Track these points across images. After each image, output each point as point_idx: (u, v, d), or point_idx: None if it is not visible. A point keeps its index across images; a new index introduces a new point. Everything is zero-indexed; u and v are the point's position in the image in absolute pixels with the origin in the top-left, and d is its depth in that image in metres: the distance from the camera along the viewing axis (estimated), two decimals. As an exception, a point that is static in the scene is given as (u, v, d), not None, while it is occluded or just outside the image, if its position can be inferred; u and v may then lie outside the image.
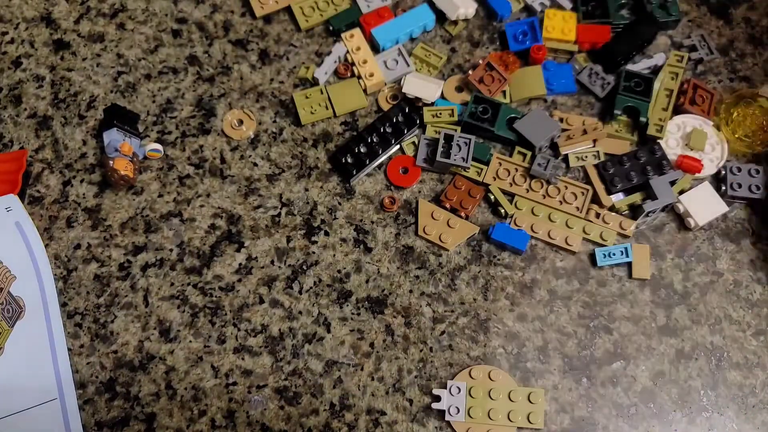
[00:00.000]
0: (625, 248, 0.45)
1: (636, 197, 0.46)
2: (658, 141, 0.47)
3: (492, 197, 0.46)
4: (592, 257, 0.45)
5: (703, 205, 0.46)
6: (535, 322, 0.44)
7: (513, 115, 0.48)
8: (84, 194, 0.48)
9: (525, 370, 0.43)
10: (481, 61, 0.50)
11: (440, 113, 0.49)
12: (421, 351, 0.44)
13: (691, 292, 0.45)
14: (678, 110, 0.48)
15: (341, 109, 0.50)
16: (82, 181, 0.49)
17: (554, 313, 0.44)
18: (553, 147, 0.48)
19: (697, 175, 0.47)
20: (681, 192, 0.46)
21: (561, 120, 0.48)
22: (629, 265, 0.45)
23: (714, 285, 0.45)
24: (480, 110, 0.48)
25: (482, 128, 0.47)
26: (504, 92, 0.50)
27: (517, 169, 0.47)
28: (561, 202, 0.46)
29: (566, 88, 0.50)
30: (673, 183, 0.46)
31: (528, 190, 0.46)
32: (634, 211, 0.46)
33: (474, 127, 0.48)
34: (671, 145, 0.47)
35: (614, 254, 0.45)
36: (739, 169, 0.46)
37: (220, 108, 0.51)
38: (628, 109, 0.48)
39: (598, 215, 0.46)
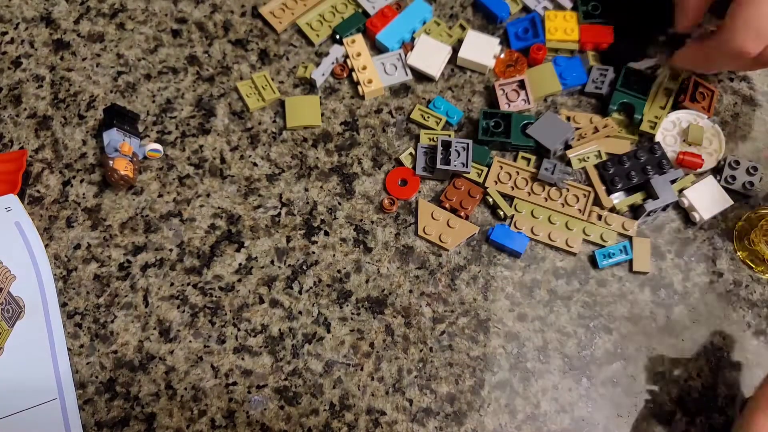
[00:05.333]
0: (624, 246, 0.45)
1: (636, 197, 0.46)
2: (658, 141, 0.47)
3: (490, 200, 0.46)
4: (592, 258, 0.45)
5: (708, 199, 0.46)
6: (535, 322, 0.44)
7: (526, 122, 0.48)
8: (84, 194, 0.48)
9: (525, 370, 0.43)
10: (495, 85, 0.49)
11: (428, 116, 0.49)
12: (421, 351, 0.44)
13: (691, 292, 0.45)
14: (678, 107, 0.49)
15: (292, 123, 0.49)
16: (82, 181, 0.49)
17: (554, 313, 0.44)
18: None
19: (699, 170, 0.47)
20: (681, 190, 0.46)
21: (568, 119, 0.48)
22: (630, 261, 0.45)
23: (714, 285, 0.45)
24: (492, 125, 0.48)
25: (499, 142, 0.47)
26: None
27: (518, 173, 0.47)
28: (563, 205, 0.46)
29: (578, 80, 0.50)
30: (673, 181, 0.46)
31: (530, 194, 0.46)
32: (635, 212, 0.46)
33: (490, 141, 0.48)
34: (669, 143, 0.47)
35: (614, 254, 0.45)
36: (738, 163, 0.46)
37: (220, 108, 0.51)
38: (624, 106, 0.48)
39: (600, 217, 0.46)
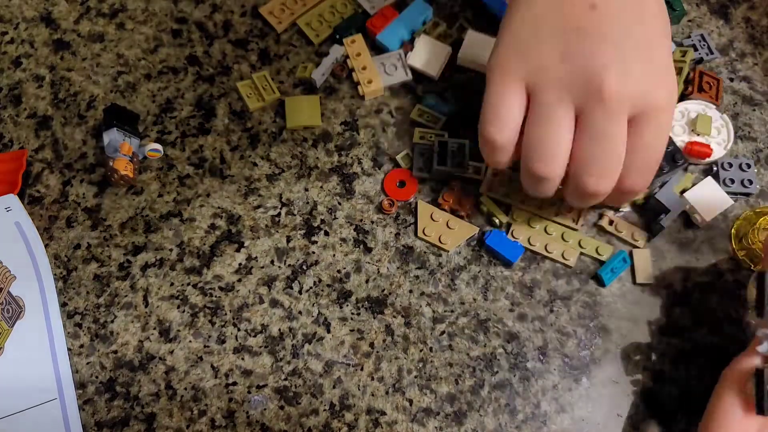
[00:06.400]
0: (624, 256, 0.45)
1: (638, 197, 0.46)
2: (669, 135, 0.47)
3: (485, 209, 0.46)
4: (593, 258, 0.45)
5: (709, 200, 0.45)
6: (535, 322, 0.44)
7: None
8: (84, 194, 0.48)
9: (525, 370, 0.43)
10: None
11: (428, 116, 0.49)
12: (421, 351, 0.44)
13: (691, 292, 0.45)
14: (685, 99, 0.49)
15: (292, 123, 0.49)
16: (82, 181, 0.49)
17: (554, 313, 0.44)
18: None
19: (708, 160, 0.47)
20: (683, 191, 0.46)
21: None
22: (632, 268, 0.45)
23: (714, 285, 0.45)
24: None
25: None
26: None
27: (511, 180, 0.47)
28: (556, 214, 0.46)
29: None
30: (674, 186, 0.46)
31: (523, 201, 0.46)
32: (649, 230, 0.46)
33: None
34: (677, 133, 0.47)
35: (616, 268, 0.44)
36: (731, 165, 0.47)
37: (220, 108, 0.51)
38: None
39: (611, 222, 0.45)
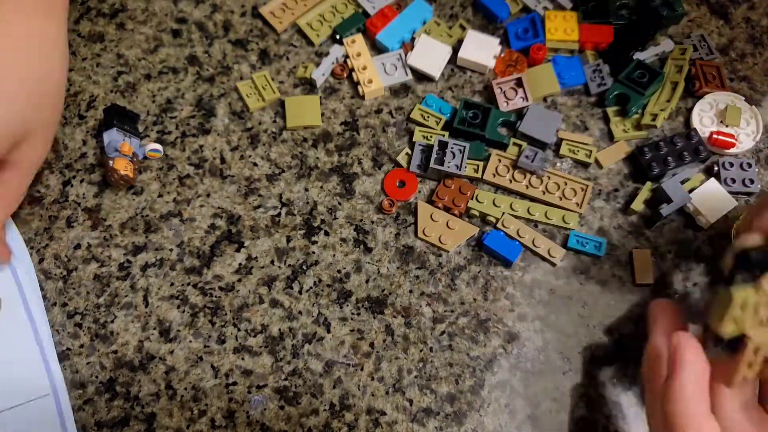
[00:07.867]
0: (600, 243, 0.45)
1: (646, 193, 0.46)
2: (695, 127, 0.47)
3: (477, 212, 0.46)
4: (592, 259, 0.45)
5: (713, 202, 0.45)
6: (535, 322, 0.44)
7: (504, 118, 0.48)
8: (84, 194, 0.48)
9: (525, 370, 0.43)
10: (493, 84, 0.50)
11: (428, 116, 0.49)
12: (421, 351, 0.44)
13: (691, 292, 0.45)
14: (693, 94, 0.49)
15: (292, 123, 0.49)
16: (82, 181, 0.49)
17: (554, 313, 0.44)
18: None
19: (733, 150, 0.47)
20: (691, 190, 0.46)
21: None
22: (632, 269, 0.45)
23: (714, 285, 0.45)
24: (470, 115, 0.48)
25: (472, 133, 0.47)
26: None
27: (515, 167, 0.47)
28: (561, 198, 0.46)
29: (577, 80, 0.50)
30: (683, 181, 0.46)
31: (528, 187, 0.46)
32: (647, 219, 0.46)
33: (464, 132, 0.48)
34: (706, 123, 0.48)
35: (587, 244, 0.45)
36: (732, 164, 0.47)
37: (220, 108, 0.51)
38: (620, 97, 0.48)
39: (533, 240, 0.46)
